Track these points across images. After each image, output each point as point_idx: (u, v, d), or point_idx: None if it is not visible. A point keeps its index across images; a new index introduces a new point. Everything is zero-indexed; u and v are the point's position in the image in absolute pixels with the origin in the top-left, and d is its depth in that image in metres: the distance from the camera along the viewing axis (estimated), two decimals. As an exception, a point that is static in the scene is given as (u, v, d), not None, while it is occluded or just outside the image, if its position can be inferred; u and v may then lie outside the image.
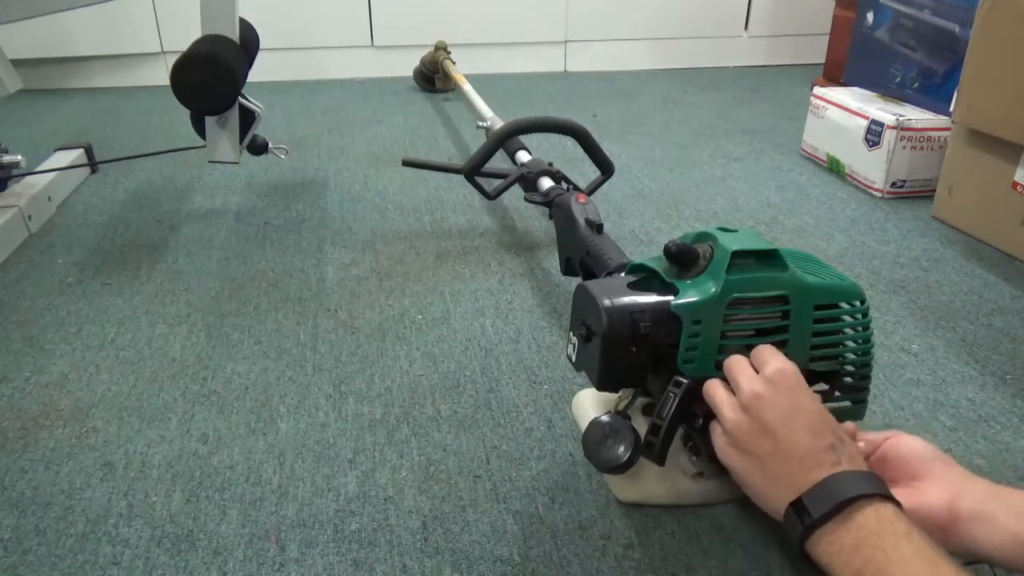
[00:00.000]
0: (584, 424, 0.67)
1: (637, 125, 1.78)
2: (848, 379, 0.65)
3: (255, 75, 1.25)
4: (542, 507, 0.67)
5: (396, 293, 1.03)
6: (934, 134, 1.31)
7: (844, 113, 1.42)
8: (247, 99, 1.19)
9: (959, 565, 0.43)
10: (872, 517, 0.46)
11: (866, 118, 1.36)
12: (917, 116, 1.31)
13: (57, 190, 1.32)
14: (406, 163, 1.21)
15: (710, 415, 0.58)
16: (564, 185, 1.11)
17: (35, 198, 1.23)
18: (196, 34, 1.14)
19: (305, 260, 1.12)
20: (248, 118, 1.21)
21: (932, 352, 0.90)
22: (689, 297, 0.58)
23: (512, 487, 0.69)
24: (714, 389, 0.57)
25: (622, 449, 0.62)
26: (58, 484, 0.70)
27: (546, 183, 1.10)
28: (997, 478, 0.65)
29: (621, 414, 0.64)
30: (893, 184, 1.34)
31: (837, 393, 0.65)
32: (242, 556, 0.62)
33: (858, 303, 0.63)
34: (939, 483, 0.54)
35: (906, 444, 0.57)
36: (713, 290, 0.58)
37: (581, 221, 0.91)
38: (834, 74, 1.89)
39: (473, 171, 1.14)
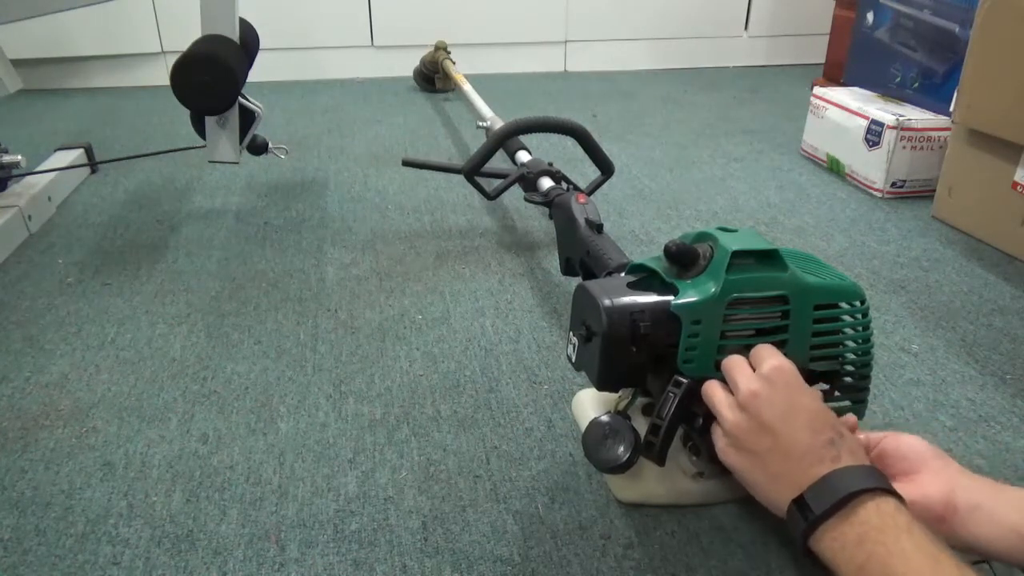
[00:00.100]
0: (584, 424, 0.67)
1: (637, 125, 1.78)
2: (848, 379, 0.65)
3: (255, 75, 1.25)
4: (542, 507, 0.67)
5: (396, 293, 1.03)
6: (934, 134, 1.31)
7: (844, 113, 1.42)
8: (247, 99, 1.19)
9: (960, 559, 0.43)
10: (874, 511, 0.46)
11: (866, 118, 1.36)
12: (917, 116, 1.31)
13: (57, 190, 1.32)
14: (406, 163, 1.21)
15: (710, 415, 0.58)
16: (564, 185, 1.11)
17: (35, 198, 1.23)
18: (196, 34, 1.14)
19: (305, 260, 1.12)
20: (248, 118, 1.21)
21: (932, 352, 0.90)
22: (689, 297, 0.58)
23: (512, 487, 0.69)
24: (712, 390, 0.57)
25: (622, 449, 0.62)
26: (58, 484, 0.70)
27: (546, 183, 1.10)
28: (997, 478, 0.64)
29: (621, 414, 0.64)
30: (893, 184, 1.34)
31: (837, 393, 0.65)
32: (242, 556, 0.62)
33: (858, 303, 0.63)
34: (937, 477, 0.54)
35: (904, 441, 0.57)
36: (713, 290, 0.58)
37: (581, 221, 0.91)
38: (834, 74, 1.89)
39: (473, 171, 1.14)
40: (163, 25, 2.04)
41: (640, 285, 0.62)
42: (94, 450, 0.74)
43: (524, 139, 1.25)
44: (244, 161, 1.40)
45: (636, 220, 1.26)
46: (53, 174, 1.32)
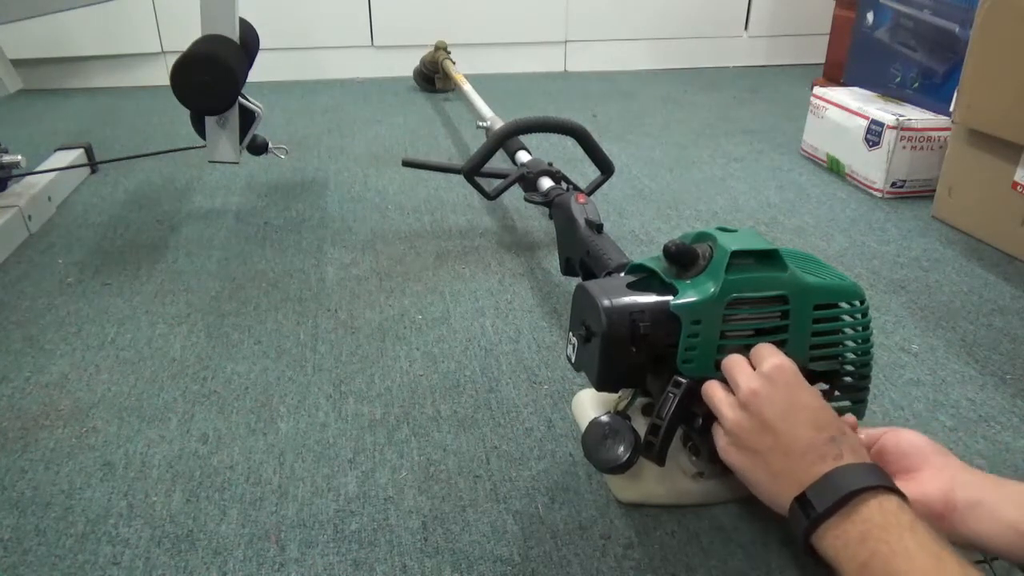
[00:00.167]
0: (584, 424, 0.67)
1: (637, 125, 1.78)
2: (848, 379, 0.65)
3: (255, 75, 1.25)
4: (542, 507, 0.67)
5: (396, 293, 1.03)
6: (934, 134, 1.31)
7: (844, 113, 1.42)
8: (247, 99, 1.19)
9: (963, 558, 0.43)
10: (876, 509, 0.46)
11: (866, 118, 1.36)
12: (917, 116, 1.31)
13: (57, 190, 1.32)
14: (406, 163, 1.21)
15: (710, 415, 0.58)
16: (564, 185, 1.11)
17: (35, 198, 1.23)
18: (196, 34, 1.14)
19: (305, 260, 1.12)
20: (248, 118, 1.21)
21: (932, 352, 0.90)
22: (688, 297, 0.58)
23: (512, 487, 0.69)
24: (712, 390, 0.57)
25: (622, 449, 0.62)
26: (58, 484, 0.70)
27: (546, 183, 1.10)
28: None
29: (621, 414, 0.64)
30: (893, 184, 1.34)
31: (837, 393, 0.65)
32: (242, 556, 0.62)
33: (858, 303, 0.63)
34: (937, 473, 0.54)
35: (904, 437, 0.57)
36: (712, 290, 0.58)
37: (581, 221, 0.91)
38: (834, 74, 1.89)
39: (473, 171, 1.14)
40: (163, 25, 2.04)
41: (640, 285, 0.62)
42: (94, 450, 0.74)
43: (524, 139, 1.25)
44: (244, 161, 1.40)
45: (636, 220, 1.26)
46: (53, 174, 1.32)
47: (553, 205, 1.02)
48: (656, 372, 0.61)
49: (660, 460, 0.60)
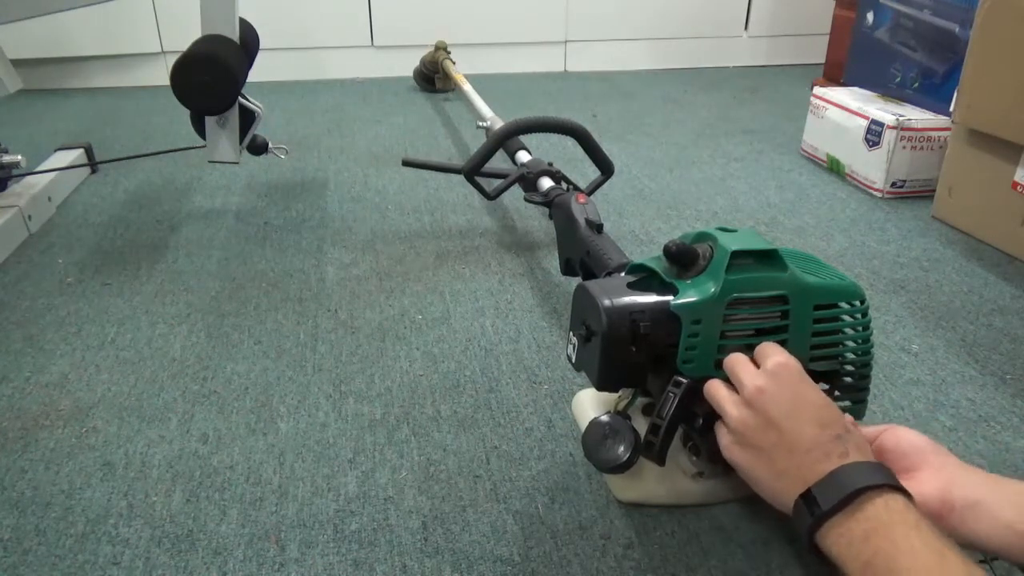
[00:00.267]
0: (584, 424, 0.67)
1: (637, 125, 1.78)
2: (848, 379, 0.65)
3: (255, 75, 1.25)
4: (542, 507, 0.67)
5: (396, 293, 1.03)
6: (934, 134, 1.31)
7: (844, 113, 1.42)
8: (247, 99, 1.19)
9: (967, 557, 0.43)
10: (882, 508, 0.46)
11: (866, 118, 1.36)
12: (917, 116, 1.31)
13: (57, 190, 1.32)
14: (406, 163, 1.21)
15: (710, 415, 0.58)
16: (564, 185, 1.11)
17: (35, 198, 1.23)
18: (196, 34, 1.14)
19: (305, 260, 1.12)
20: (248, 118, 1.21)
21: (932, 352, 0.90)
22: (689, 297, 0.58)
23: (512, 487, 0.69)
24: (715, 388, 0.57)
25: (622, 449, 0.62)
26: (58, 484, 0.70)
27: (546, 183, 1.10)
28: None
29: (621, 414, 0.64)
30: (893, 184, 1.34)
31: (837, 393, 0.65)
32: (242, 556, 0.62)
33: (858, 303, 0.63)
34: (935, 473, 0.54)
35: (903, 436, 0.57)
36: (712, 290, 0.58)
37: (581, 221, 0.91)
38: (834, 74, 1.89)
39: (473, 171, 1.14)
40: (163, 25, 2.04)
41: (640, 285, 0.62)
42: (94, 450, 0.74)
43: (524, 139, 1.25)
44: (244, 161, 1.40)
45: (636, 220, 1.26)
46: (53, 174, 1.32)
47: (553, 205, 1.02)
48: (656, 372, 0.61)
49: (660, 460, 0.60)
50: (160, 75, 2.09)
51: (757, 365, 0.56)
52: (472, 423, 0.78)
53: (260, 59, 1.28)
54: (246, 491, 0.69)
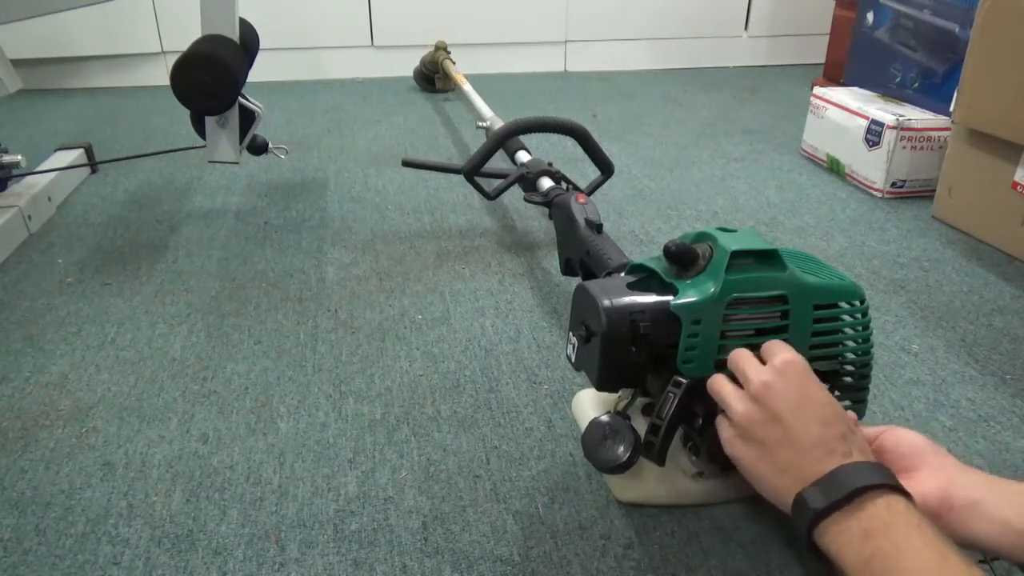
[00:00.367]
0: (584, 424, 0.67)
1: (637, 125, 1.78)
2: (848, 379, 0.65)
3: (255, 75, 1.25)
4: (542, 507, 0.67)
5: (396, 293, 1.03)
6: (934, 134, 1.31)
7: (844, 113, 1.42)
8: (247, 99, 1.19)
9: (967, 558, 0.43)
10: (883, 508, 0.46)
11: (866, 118, 1.36)
12: (917, 116, 1.31)
13: (57, 190, 1.32)
14: (406, 163, 1.21)
15: (710, 415, 0.58)
16: (564, 185, 1.11)
17: (35, 198, 1.23)
18: (196, 34, 1.14)
19: (305, 260, 1.12)
20: (248, 118, 1.21)
21: (932, 352, 0.90)
22: (688, 297, 0.58)
23: (512, 487, 0.69)
24: (719, 383, 0.57)
25: (622, 449, 0.62)
26: (58, 484, 0.70)
27: (546, 183, 1.10)
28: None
29: (621, 414, 0.64)
30: (893, 184, 1.34)
31: (837, 393, 0.65)
32: (242, 556, 0.62)
33: (858, 303, 0.63)
34: (934, 473, 0.54)
35: (902, 437, 0.57)
36: (712, 290, 0.58)
37: (581, 221, 0.91)
38: (834, 74, 1.89)
39: (473, 171, 1.14)
40: (163, 25, 2.04)
41: (640, 285, 0.62)
42: (94, 450, 0.74)
43: (524, 139, 1.25)
44: (244, 161, 1.40)
45: (636, 220, 1.26)
46: (53, 174, 1.32)
47: (553, 205, 1.02)
48: (656, 372, 0.61)
49: (660, 460, 0.60)
50: (160, 75, 2.09)
51: (762, 362, 0.56)
52: (472, 423, 0.78)
53: (260, 59, 1.28)
54: (246, 491, 0.69)
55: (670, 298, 0.59)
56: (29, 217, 1.21)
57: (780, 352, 0.56)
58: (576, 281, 0.78)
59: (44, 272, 1.09)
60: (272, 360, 0.88)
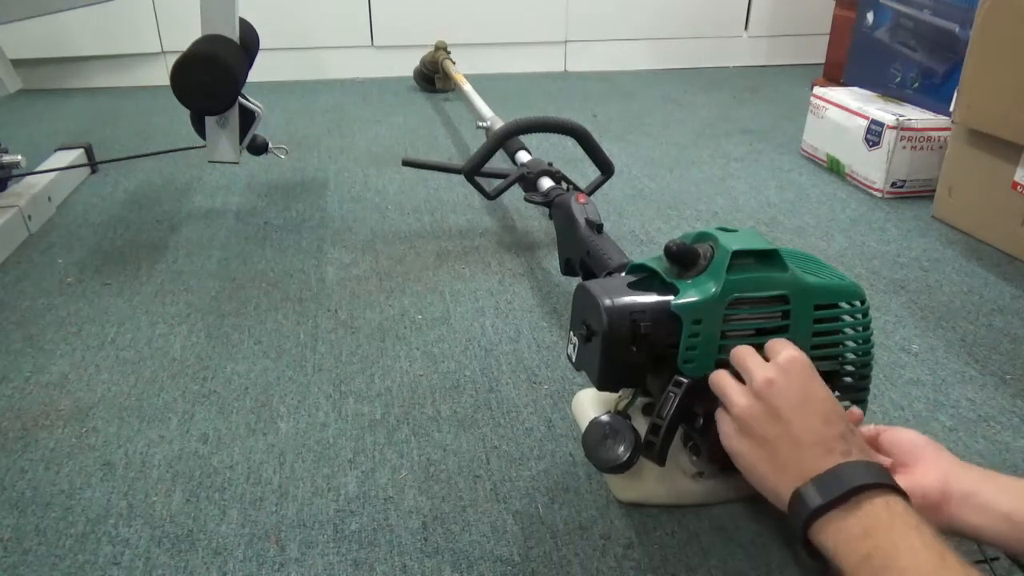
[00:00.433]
0: (584, 424, 0.67)
1: (637, 125, 1.78)
2: (848, 379, 0.65)
3: (255, 75, 1.25)
4: (542, 507, 0.67)
5: (396, 293, 1.03)
6: (934, 134, 1.31)
7: (844, 113, 1.42)
8: (247, 99, 1.19)
9: (966, 555, 0.43)
10: (882, 507, 0.46)
11: (866, 118, 1.36)
12: (917, 116, 1.31)
13: (57, 190, 1.32)
14: (406, 163, 1.21)
15: (710, 415, 0.58)
16: (564, 185, 1.11)
17: (35, 198, 1.23)
18: (196, 34, 1.14)
19: (305, 260, 1.12)
20: (248, 118, 1.21)
21: (932, 352, 0.90)
22: (689, 297, 0.58)
23: (512, 487, 0.69)
24: (721, 378, 0.57)
25: (622, 449, 0.62)
26: (58, 484, 0.70)
27: (546, 183, 1.10)
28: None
29: (621, 414, 0.64)
30: (893, 184, 1.34)
31: (837, 393, 0.65)
32: (242, 556, 0.62)
33: (858, 303, 0.63)
34: (932, 467, 0.54)
35: (901, 435, 0.58)
36: (713, 290, 0.58)
37: (581, 221, 0.91)
38: (834, 74, 1.89)
39: (473, 171, 1.14)
40: (163, 25, 2.04)
41: (640, 285, 0.62)
42: (94, 450, 0.74)
43: (524, 139, 1.25)
44: (244, 161, 1.40)
45: (636, 220, 1.26)
46: (53, 174, 1.32)
47: (553, 205, 1.02)
48: (656, 372, 0.61)
49: (660, 460, 0.60)
50: (160, 75, 2.09)
51: (767, 360, 0.56)
52: (472, 423, 0.78)
53: (260, 59, 1.28)
54: (246, 491, 0.69)
55: (671, 298, 0.59)
56: (29, 217, 1.21)
57: (784, 349, 0.56)
58: (576, 281, 0.78)
59: (44, 272, 1.09)
60: (272, 360, 0.88)
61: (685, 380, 0.59)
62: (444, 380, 0.85)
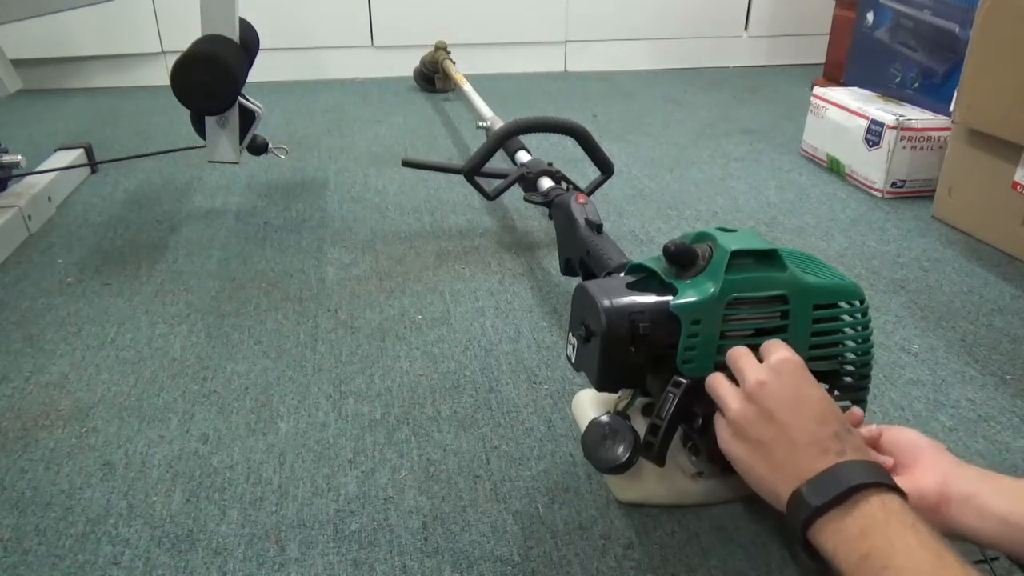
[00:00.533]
0: (584, 424, 0.67)
1: (637, 125, 1.78)
2: (848, 379, 0.65)
3: (255, 75, 1.25)
4: (542, 507, 0.67)
5: (396, 293, 1.03)
6: (934, 134, 1.31)
7: (844, 113, 1.42)
8: (247, 99, 1.19)
9: (963, 558, 0.43)
10: (878, 506, 0.46)
11: (866, 118, 1.36)
12: (917, 116, 1.31)
13: (57, 190, 1.32)
14: (406, 163, 1.21)
15: (709, 415, 0.58)
16: (564, 185, 1.11)
17: (35, 198, 1.23)
18: (196, 34, 1.14)
19: (305, 260, 1.12)
20: (248, 118, 1.21)
21: (932, 352, 0.90)
22: (688, 297, 0.58)
23: (512, 487, 0.69)
24: (717, 381, 0.57)
25: (622, 449, 0.62)
26: (58, 484, 0.70)
27: (546, 183, 1.10)
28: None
29: (621, 414, 0.64)
30: (893, 184, 1.34)
31: (837, 393, 0.65)
32: (242, 556, 0.62)
33: (857, 303, 0.63)
34: (931, 468, 0.54)
35: (900, 435, 0.58)
36: (712, 290, 0.58)
37: (581, 221, 0.91)
38: (834, 74, 1.89)
39: (473, 171, 1.14)
40: (163, 25, 2.04)
41: (639, 285, 0.62)
42: (94, 450, 0.74)
43: (524, 139, 1.25)
44: (244, 161, 1.40)
45: (636, 220, 1.26)
46: (53, 174, 1.32)
47: (553, 205, 1.02)
48: (656, 372, 0.61)
49: (660, 460, 0.60)
50: (160, 75, 2.09)
51: (761, 361, 0.56)
52: (472, 423, 0.78)
53: (260, 59, 1.28)
54: (246, 491, 0.69)
55: (670, 298, 0.59)
56: (29, 217, 1.21)
57: (776, 351, 0.56)
58: (576, 281, 0.78)
59: (44, 272, 1.09)
60: (272, 360, 0.88)
61: (684, 380, 0.59)
62: (444, 380, 0.85)
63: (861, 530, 0.46)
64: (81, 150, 1.45)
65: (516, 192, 1.15)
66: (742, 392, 0.55)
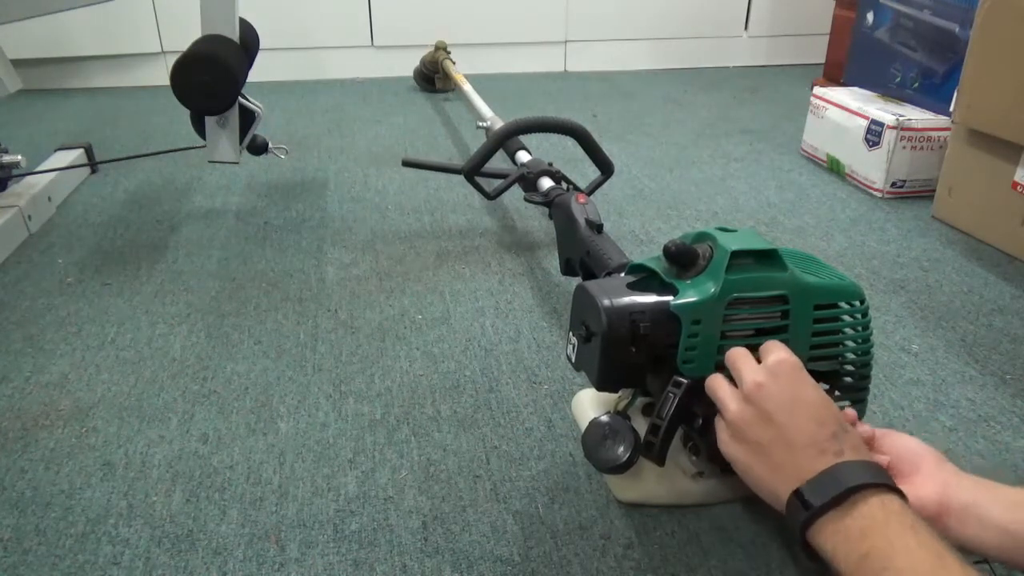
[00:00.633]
0: (584, 424, 0.67)
1: (637, 125, 1.78)
2: (848, 379, 0.65)
3: (255, 75, 1.25)
4: (542, 507, 0.67)
5: (396, 293, 1.03)
6: (934, 134, 1.31)
7: (844, 113, 1.42)
8: (247, 99, 1.19)
9: (964, 560, 0.43)
10: (877, 507, 0.46)
11: (866, 118, 1.36)
12: (917, 116, 1.31)
13: (57, 190, 1.32)
14: (406, 163, 1.21)
15: (710, 415, 0.58)
16: (564, 185, 1.11)
17: (35, 198, 1.23)
18: (196, 34, 1.14)
19: (305, 260, 1.12)
20: (248, 118, 1.21)
21: (932, 352, 0.90)
22: (688, 297, 0.58)
23: (512, 487, 0.69)
24: (716, 383, 0.57)
25: (622, 449, 0.62)
26: (58, 484, 0.70)
27: (546, 183, 1.10)
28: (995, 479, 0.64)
29: (621, 414, 0.64)
30: (893, 184, 1.34)
31: (837, 393, 0.65)
32: (242, 556, 0.62)
33: (858, 303, 0.63)
34: (931, 477, 0.54)
35: (900, 441, 0.58)
36: (712, 290, 0.58)
37: (581, 221, 0.91)
38: (834, 74, 1.89)
39: (473, 171, 1.14)
40: (163, 25, 2.04)
41: (640, 285, 0.62)
42: (94, 450, 0.74)
43: (524, 139, 1.25)
44: (244, 161, 1.40)
45: (636, 220, 1.26)
46: (53, 174, 1.32)
47: (553, 205, 1.02)
48: (656, 372, 0.61)
49: (660, 460, 0.60)
50: (160, 75, 2.09)
51: (760, 362, 0.56)
52: (472, 423, 0.78)
53: (260, 59, 1.28)
54: (246, 491, 0.69)
55: (670, 298, 0.59)
56: (29, 217, 1.21)
57: (774, 352, 0.56)
58: (576, 281, 0.78)
59: (44, 272, 1.09)
60: (272, 360, 0.88)
61: (684, 380, 0.59)
62: (444, 380, 0.85)
63: (861, 530, 0.46)
64: (81, 150, 1.45)
65: (516, 192, 1.15)
66: (740, 394, 0.55)
